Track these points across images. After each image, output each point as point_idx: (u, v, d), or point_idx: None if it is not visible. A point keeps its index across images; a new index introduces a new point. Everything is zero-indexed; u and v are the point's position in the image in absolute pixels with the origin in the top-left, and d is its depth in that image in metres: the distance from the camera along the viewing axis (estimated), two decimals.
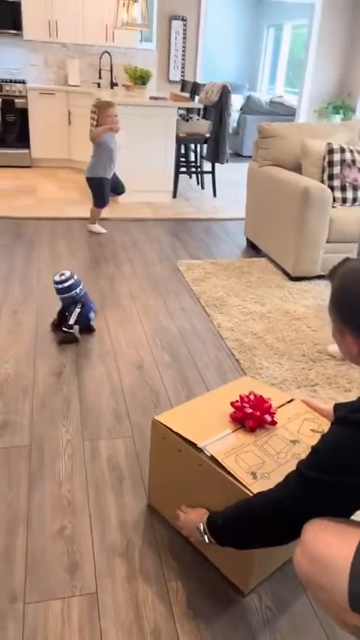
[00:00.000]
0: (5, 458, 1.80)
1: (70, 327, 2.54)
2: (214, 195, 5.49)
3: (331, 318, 1.15)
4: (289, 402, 1.62)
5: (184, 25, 6.65)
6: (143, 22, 5.59)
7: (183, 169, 5.61)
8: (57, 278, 2.53)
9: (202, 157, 5.70)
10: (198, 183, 5.90)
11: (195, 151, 5.82)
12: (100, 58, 6.20)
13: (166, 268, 3.54)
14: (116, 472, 1.77)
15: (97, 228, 4.16)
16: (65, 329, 2.54)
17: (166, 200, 5.19)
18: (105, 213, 4.65)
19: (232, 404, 1.52)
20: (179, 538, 1.53)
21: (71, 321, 2.54)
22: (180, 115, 5.31)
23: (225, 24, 9.02)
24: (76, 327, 2.60)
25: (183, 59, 6.84)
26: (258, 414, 1.47)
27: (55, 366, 2.35)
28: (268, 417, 1.48)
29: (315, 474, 1.04)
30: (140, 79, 5.40)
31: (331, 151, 3.37)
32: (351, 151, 3.37)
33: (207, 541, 1.29)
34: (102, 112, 3.89)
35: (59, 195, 5.12)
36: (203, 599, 1.37)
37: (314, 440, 1.48)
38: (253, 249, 4.01)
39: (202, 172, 5.71)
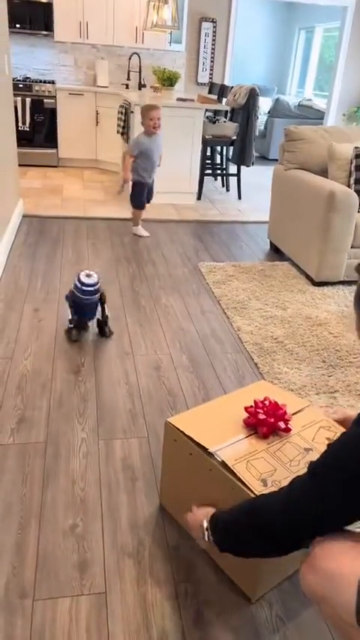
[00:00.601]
0: (21, 453, 1.82)
1: (107, 320, 2.60)
2: (239, 197, 5.47)
3: (355, 313, 1.13)
4: (305, 408, 1.60)
5: (214, 27, 6.65)
6: (173, 24, 5.60)
7: (208, 171, 5.61)
8: (88, 280, 2.46)
9: (227, 159, 5.69)
10: (223, 185, 5.88)
11: (221, 154, 5.81)
12: (129, 59, 6.24)
13: (187, 270, 3.54)
14: (130, 472, 1.78)
15: (140, 230, 4.16)
16: (107, 324, 2.59)
17: (190, 202, 5.19)
18: (127, 212, 4.68)
19: (245, 409, 1.50)
20: (190, 541, 1.52)
21: (108, 313, 2.59)
22: (207, 117, 5.31)
23: (255, 26, 8.98)
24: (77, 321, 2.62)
25: (212, 61, 6.83)
26: (272, 420, 1.45)
27: (74, 364, 2.37)
28: (282, 424, 1.46)
29: (326, 470, 1.01)
30: (168, 80, 5.42)
31: (358, 155, 3.32)
32: None
33: (207, 540, 1.24)
34: (145, 113, 3.84)
35: (85, 195, 5.17)
36: (212, 605, 1.36)
37: None
38: (276, 252, 3.98)
39: (228, 175, 5.69)
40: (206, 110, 5.25)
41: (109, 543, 1.52)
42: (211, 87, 6.50)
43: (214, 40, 6.72)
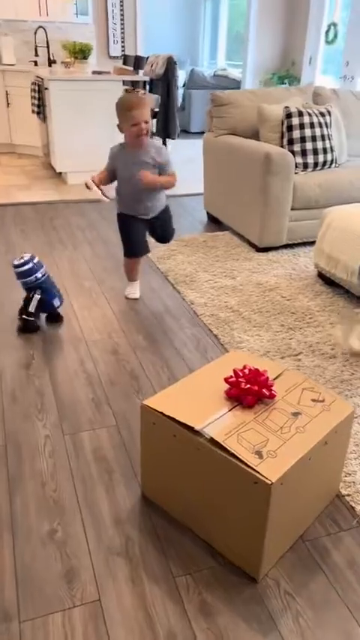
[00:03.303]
0: None
1: (30, 314, 2.37)
2: None
3: None
4: (283, 372, 1.52)
5: None
6: None
7: None
8: (15, 262, 2.36)
9: (152, 133, 5.51)
10: None
11: None
12: (35, 33, 5.87)
13: None
14: (104, 465, 1.64)
15: (129, 289, 2.74)
16: (25, 317, 2.37)
17: None
18: (53, 195, 4.44)
19: (226, 380, 1.41)
20: (180, 528, 1.42)
21: (31, 309, 2.37)
22: (125, 90, 5.09)
23: None
24: (43, 315, 2.44)
25: (122, 33, 6.58)
26: (256, 388, 1.36)
27: (23, 357, 2.17)
28: (266, 391, 1.38)
29: None
30: (81, 53, 5.13)
31: (289, 115, 3.27)
32: (309, 114, 3.28)
33: None
34: (123, 114, 2.29)
35: (5, 181, 4.84)
36: (216, 592, 1.27)
37: (316, 410, 1.40)
38: (215, 223, 3.89)
39: None
40: (124, 82, 5.03)
41: (94, 545, 1.38)
42: (125, 59, 6.27)
43: (122, 10, 6.46)
